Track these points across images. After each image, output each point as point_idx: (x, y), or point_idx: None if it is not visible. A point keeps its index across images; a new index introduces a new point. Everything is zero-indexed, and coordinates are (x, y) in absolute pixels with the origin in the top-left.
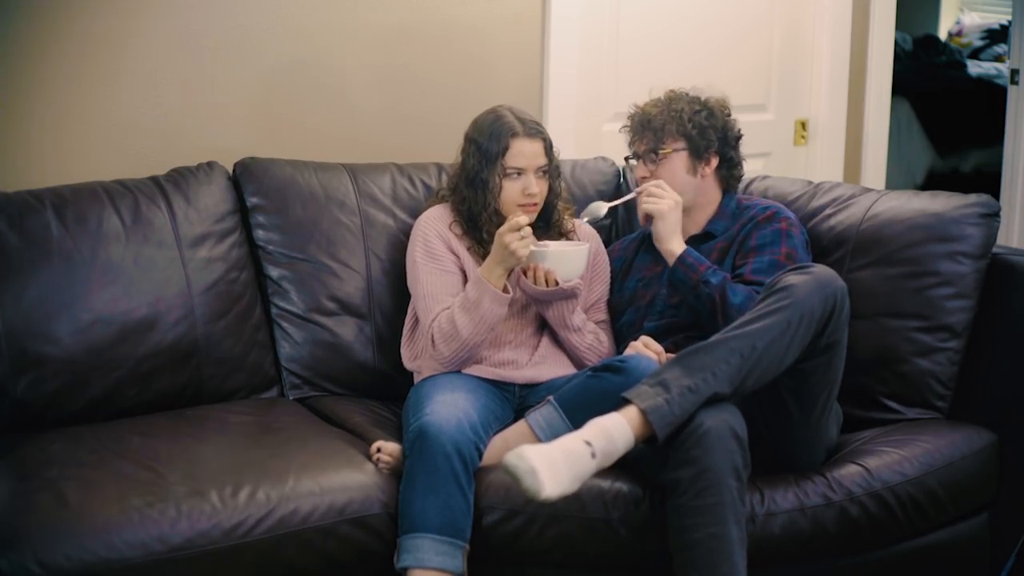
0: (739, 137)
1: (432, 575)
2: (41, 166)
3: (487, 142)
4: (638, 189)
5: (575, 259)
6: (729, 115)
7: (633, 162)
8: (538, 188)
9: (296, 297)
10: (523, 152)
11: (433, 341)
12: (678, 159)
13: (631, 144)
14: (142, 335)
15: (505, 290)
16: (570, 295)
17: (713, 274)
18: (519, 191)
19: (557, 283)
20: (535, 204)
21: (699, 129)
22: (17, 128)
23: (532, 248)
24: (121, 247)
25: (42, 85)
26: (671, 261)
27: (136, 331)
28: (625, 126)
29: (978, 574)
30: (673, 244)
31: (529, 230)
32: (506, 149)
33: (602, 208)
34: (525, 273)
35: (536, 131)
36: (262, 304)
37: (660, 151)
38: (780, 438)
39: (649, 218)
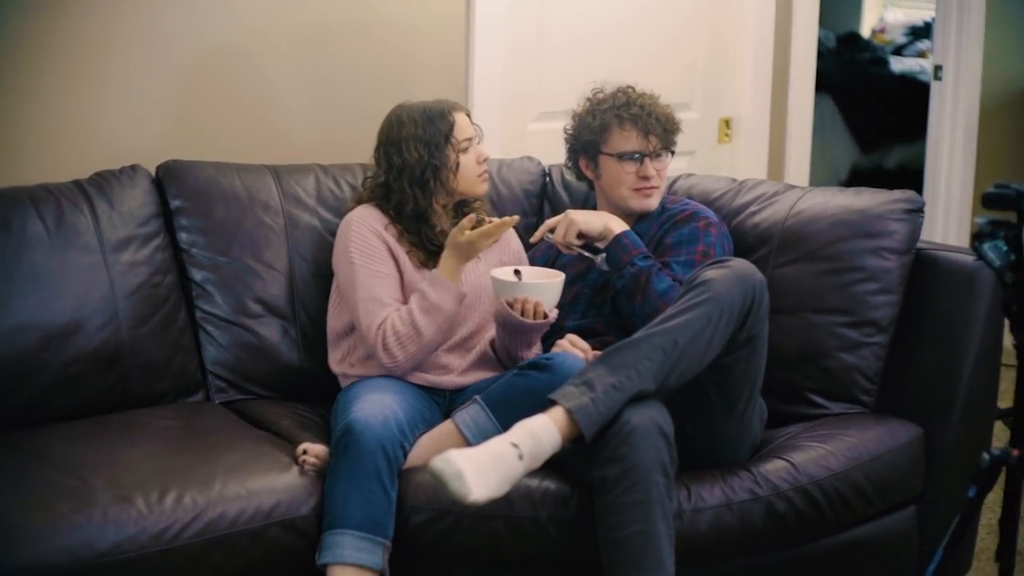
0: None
1: (351, 571)
2: None
3: (429, 128)
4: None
5: (558, 289)
6: None
7: (634, 159)
8: None
9: (220, 300)
10: (466, 123)
11: (385, 345)
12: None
13: (644, 138)
14: (66, 340)
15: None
16: (550, 323)
17: (643, 259)
18: (474, 160)
19: (546, 315)
20: (487, 170)
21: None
22: None
23: (517, 280)
24: (44, 252)
25: None
26: (607, 242)
27: (60, 336)
28: (627, 118)
29: (905, 568)
30: (607, 232)
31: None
32: (453, 125)
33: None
34: (511, 306)
35: (460, 104)
36: (186, 307)
37: (674, 151)
38: (705, 434)
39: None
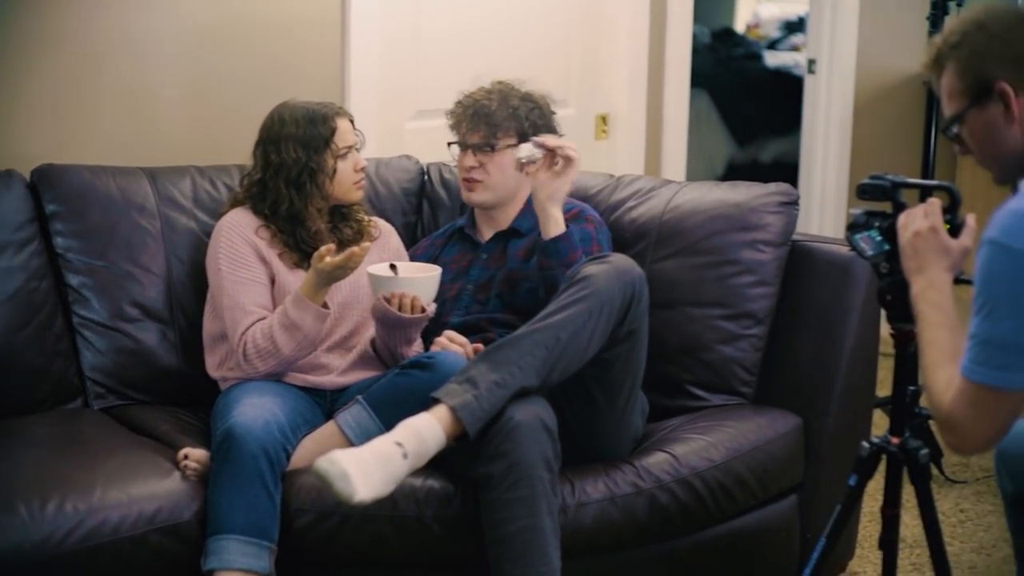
0: (561, 136)
1: None
2: None
3: (310, 130)
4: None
5: (435, 282)
6: (555, 113)
7: (456, 148)
8: None
9: (97, 305)
10: (348, 130)
11: (245, 356)
12: (509, 154)
13: (460, 132)
14: None
15: (325, 306)
16: (429, 317)
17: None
18: (351, 168)
19: (423, 309)
20: (364, 178)
21: (534, 128)
22: None
23: (394, 275)
24: None
25: None
26: (558, 230)
27: None
28: (452, 112)
29: (789, 556)
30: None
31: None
32: (334, 130)
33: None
34: (389, 301)
35: (345, 110)
36: (63, 313)
37: (495, 146)
38: (588, 429)
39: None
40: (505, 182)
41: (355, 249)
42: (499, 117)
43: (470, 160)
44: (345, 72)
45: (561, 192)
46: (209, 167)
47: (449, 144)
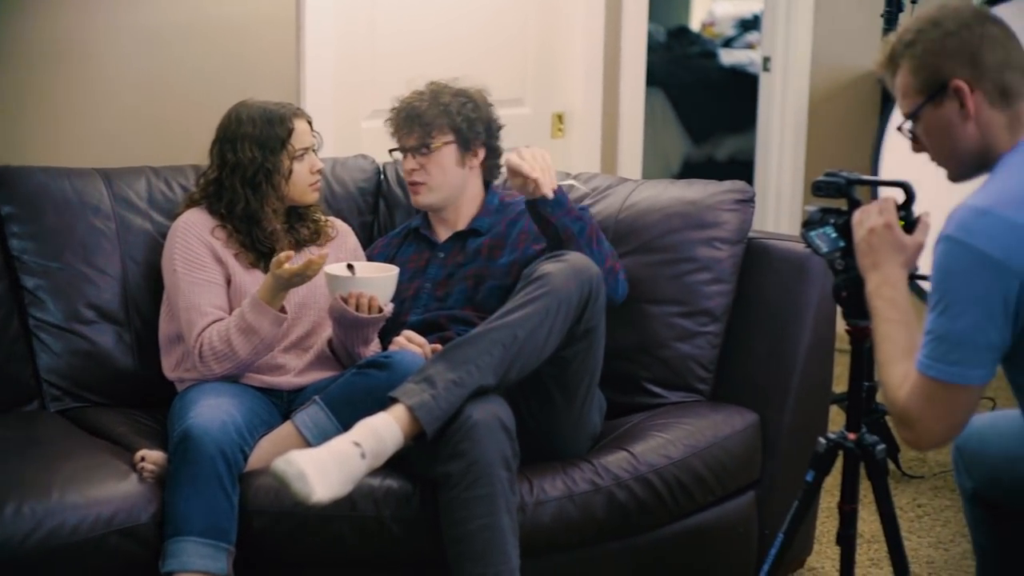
0: (501, 127)
1: None
2: None
3: (266, 131)
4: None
5: (392, 282)
6: (491, 106)
7: (398, 155)
8: None
9: (53, 307)
10: (305, 131)
11: (201, 358)
12: (448, 152)
13: (398, 138)
14: None
15: (282, 310)
16: (386, 318)
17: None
18: (307, 170)
19: (381, 309)
20: (320, 180)
21: (468, 122)
22: None
23: (351, 275)
24: None
25: None
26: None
27: None
28: (388, 119)
29: (747, 553)
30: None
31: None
32: (291, 132)
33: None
34: (346, 301)
35: (303, 111)
36: (19, 315)
37: (431, 145)
38: (546, 427)
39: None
40: (448, 180)
41: (314, 257)
42: (430, 116)
43: (410, 163)
44: (300, 72)
45: (536, 179)
46: (164, 167)
47: (391, 151)
